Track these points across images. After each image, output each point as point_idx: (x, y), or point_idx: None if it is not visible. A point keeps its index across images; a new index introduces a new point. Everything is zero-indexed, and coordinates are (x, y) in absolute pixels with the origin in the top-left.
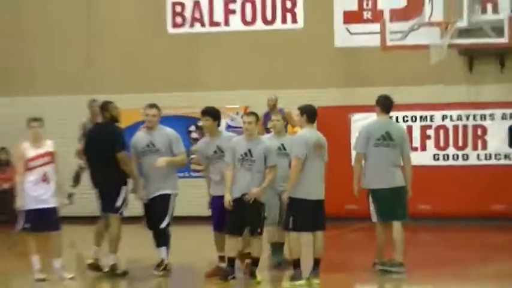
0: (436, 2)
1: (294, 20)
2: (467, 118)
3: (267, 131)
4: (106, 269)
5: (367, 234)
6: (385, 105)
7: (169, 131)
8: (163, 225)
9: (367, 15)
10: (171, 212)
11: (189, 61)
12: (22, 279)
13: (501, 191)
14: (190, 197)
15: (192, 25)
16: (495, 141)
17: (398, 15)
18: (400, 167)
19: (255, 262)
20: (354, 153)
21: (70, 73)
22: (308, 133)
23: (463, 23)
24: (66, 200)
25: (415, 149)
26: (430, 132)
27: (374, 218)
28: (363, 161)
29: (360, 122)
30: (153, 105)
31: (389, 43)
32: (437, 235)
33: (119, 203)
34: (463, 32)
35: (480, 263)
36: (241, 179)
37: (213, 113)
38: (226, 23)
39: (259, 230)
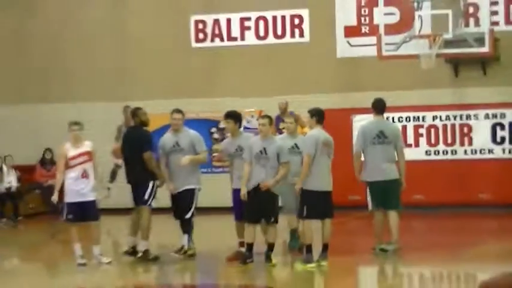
0: (425, 17)
1: (301, 35)
2: (455, 118)
3: (279, 131)
4: (139, 255)
5: (367, 222)
6: (379, 107)
7: (192, 132)
8: (188, 216)
9: (365, 29)
10: (195, 205)
11: (210, 71)
12: (66, 264)
13: (486, 181)
14: (213, 190)
15: (212, 40)
16: (480, 138)
17: (392, 29)
18: (395, 162)
19: (271, 247)
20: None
21: (106, 82)
22: (317, 133)
23: (448, 35)
24: (105, 193)
25: (409, 146)
26: (422, 131)
27: (370, 207)
28: (362, 158)
29: (360, 123)
30: (178, 111)
31: (384, 53)
32: (430, 222)
33: (147, 196)
34: (449, 43)
35: (470, 246)
36: (257, 174)
37: (234, 116)
38: (243, 37)
39: (273, 219)
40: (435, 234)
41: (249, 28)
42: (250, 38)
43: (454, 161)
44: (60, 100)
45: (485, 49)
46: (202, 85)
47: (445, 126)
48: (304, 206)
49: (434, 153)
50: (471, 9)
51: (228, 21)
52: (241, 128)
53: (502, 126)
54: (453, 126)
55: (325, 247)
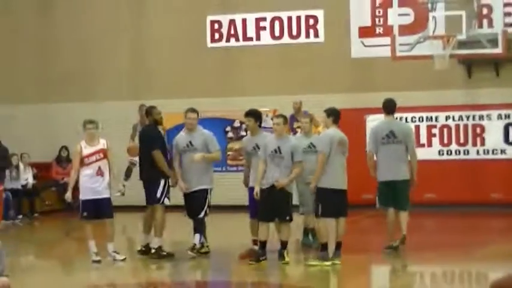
0: (439, 18)
1: (316, 35)
2: (468, 118)
3: (293, 131)
4: (153, 251)
5: (380, 221)
6: (389, 107)
7: (205, 132)
8: (201, 215)
9: (379, 30)
10: (208, 204)
11: (225, 71)
12: (80, 261)
13: (498, 181)
14: (227, 188)
15: (228, 40)
16: (492, 138)
17: (406, 30)
18: (407, 162)
19: (284, 245)
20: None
21: (123, 82)
22: (333, 132)
23: (462, 36)
24: (121, 189)
25: (422, 146)
26: (435, 131)
27: (377, 205)
28: (375, 157)
29: (374, 122)
30: (193, 110)
31: (398, 54)
32: (442, 221)
33: (159, 194)
34: (462, 44)
35: (482, 245)
36: (271, 173)
37: (255, 115)
38: (258, 38)
39: (287, 217)
40: (447, 233)
41: (264, 28)
42: (266, 38)
43: (466, 161)
44: (77, 99)
45: (498, 50)
46: (217, 85)
47: (457, 127)
48: (319, 204)
49: (447, 153)
50: (485, 11)
51: (244, 21)
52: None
53: None
54: (466, 126)
55: (338, 245)
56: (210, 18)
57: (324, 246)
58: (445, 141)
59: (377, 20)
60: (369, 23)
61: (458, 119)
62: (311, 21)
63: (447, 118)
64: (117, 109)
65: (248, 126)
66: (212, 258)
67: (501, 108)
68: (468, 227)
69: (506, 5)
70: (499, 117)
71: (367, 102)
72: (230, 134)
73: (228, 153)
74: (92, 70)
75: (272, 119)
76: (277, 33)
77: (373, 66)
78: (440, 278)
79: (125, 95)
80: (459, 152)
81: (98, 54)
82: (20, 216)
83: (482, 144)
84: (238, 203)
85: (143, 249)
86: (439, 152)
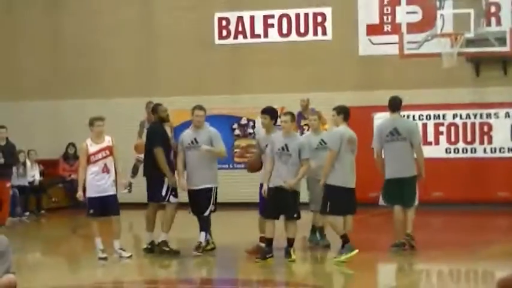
0: (447, 16)
1: (324, 33)
2: (475, 116)
3: (301, 128)
4: (156, 243)
5: (386, 219)
6: (394, 105)
7: (211, 129)
8: (206, 213)
9: (387, 27)
10: (213, 202)
11: (233, 68)
12: (87, 258)
13: (505, 180)
14: (234, 186)
15: (235, 37)
16: (499, 137)
17: (414, 27)
18: (413, 159)
19: (290, 243)
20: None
21: (130, 78)
22: (343, 130)
23: (470, 34)
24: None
25: (430, 144)
26: (443, 129)
27: (380, 202)
28: (382, 155)
29: (381, 120)
30: (200, 107)
31: (406, 52)
32: (449, 219)
33: (163, 192)
34: (470, 42)
35: (488, 243)
36: (279, 171)
37: (271, 112)
38: (266, 35)
39: (295, 215)
40: (454, 231)
41: (272, 25)
42: (273, 36)
43: (473, 159)
44: (84, 96)
45: (506, 48)
46: (224, 82)
47: (465, 125)
48: (327, 202)
49: (454, 151)
50: (493, 9)
51: (252, 18)
52: (258, 125)
53: None
54: (473, 124)
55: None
56: (217, 15)
57: (344, 237)
58: (453, 139)
59: (385, 17)
60: (376, 21)
61: (466, 117)
62: (319, 19)
63: (455, 116)
64: (124, 106)
65: (264, 124)
66: (219, 256)
67: (509, 107)
68: (475, 225)
69: None
70: (507, 115)
71: (375, 100)
72: (237, 132)
73: (235, 150)
74: (99, 67)
75: (280, 116)
76: (285, 31)
77: (380, 64)
78: (446, 276)
79: (132, 92)
80: (466, 150)
81: (105, 51)
82: (27, 213)
83: (490, 142)
84: (245, 200)
85: (149, 247)
86: (446, 150)
